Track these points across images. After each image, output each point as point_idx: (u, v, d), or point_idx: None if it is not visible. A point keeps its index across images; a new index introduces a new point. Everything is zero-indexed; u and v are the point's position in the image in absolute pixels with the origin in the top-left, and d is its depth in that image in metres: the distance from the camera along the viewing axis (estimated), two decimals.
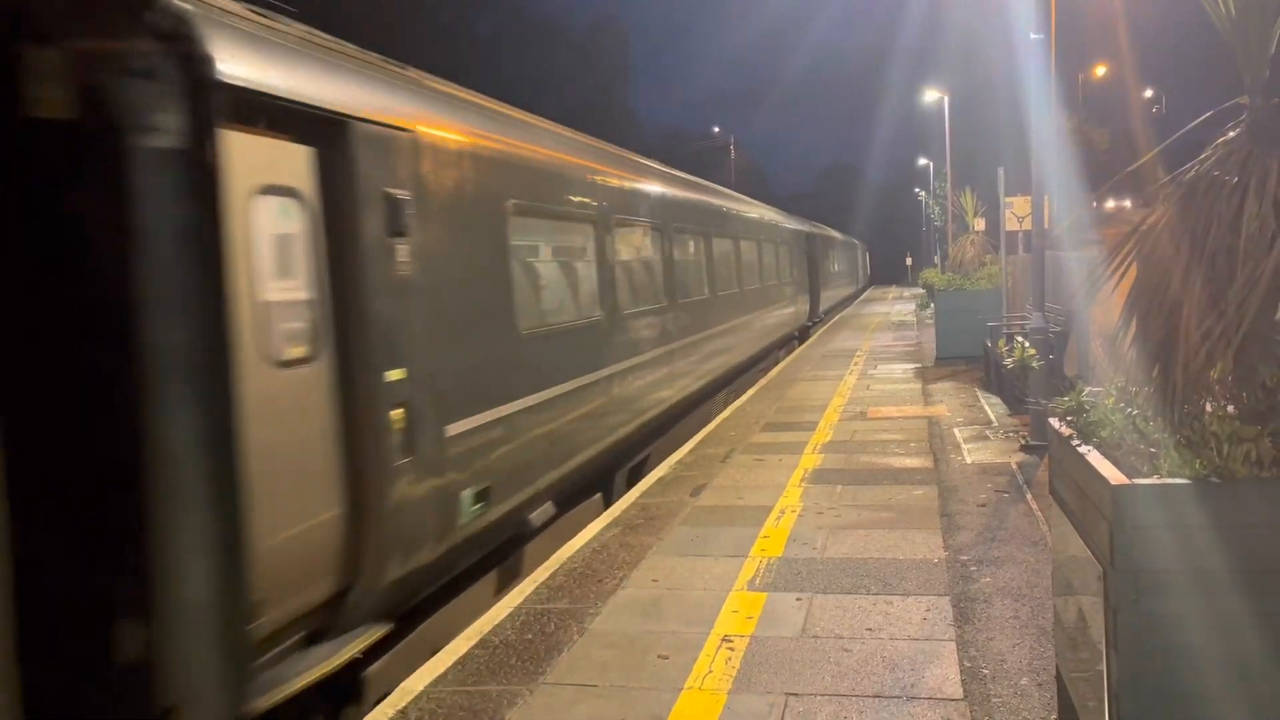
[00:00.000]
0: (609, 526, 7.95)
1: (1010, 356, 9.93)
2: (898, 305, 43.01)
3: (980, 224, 27.52)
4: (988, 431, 11.22)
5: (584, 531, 7.87)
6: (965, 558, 6.66)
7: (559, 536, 7.65)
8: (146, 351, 3.54)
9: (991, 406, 12.95)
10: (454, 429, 5.60)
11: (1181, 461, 2.98)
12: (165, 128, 3.56)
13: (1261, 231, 3.17)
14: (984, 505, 8.00)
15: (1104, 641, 3.11)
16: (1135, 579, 2.87)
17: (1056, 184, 14.17)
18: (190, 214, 3.64)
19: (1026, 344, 10.03)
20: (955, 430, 11.35)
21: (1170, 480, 2.94)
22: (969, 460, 9.73)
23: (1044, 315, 10.34)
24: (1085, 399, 3.67)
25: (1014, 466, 9.35)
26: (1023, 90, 14.13)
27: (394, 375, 4.97)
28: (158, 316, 3.56)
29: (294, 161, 4.56)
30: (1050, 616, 5.39)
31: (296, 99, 4.40)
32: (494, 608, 6.17)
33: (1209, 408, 3.39)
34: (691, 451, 10.99)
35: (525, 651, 5.42)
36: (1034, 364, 9.79)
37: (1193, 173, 3.38)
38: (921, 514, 7.80)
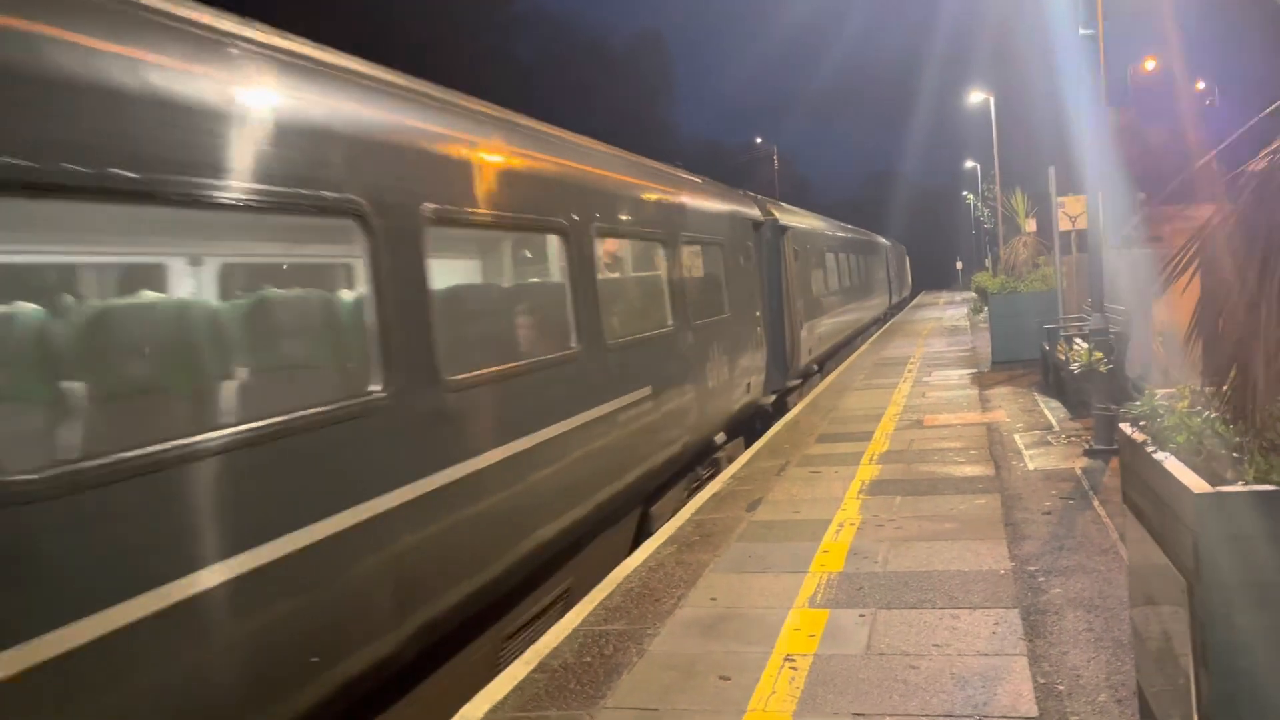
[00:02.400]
0: (665, 544, 7.85)
1: (1076, 361, 9.66)
2: (949, 310, 42.43)
3: (1031, 225, 27.04)
4: (1049, 436, 10.95)
5: (640, 550, 7.79)
6: (1033, 568, 6.46)
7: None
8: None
9: (1051, 410, 12.65)
10: None
11: (1269, 467, 2.83)
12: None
13: None
14: (1049, 513, 7.78)
15: (1190, 657, 2.96)
16: (1225, 593, 2.72)
17: (1110, 182, 13.87)
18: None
19: (1093, 348, 9.76)
20: (1015, 436, 11.10)
21: (1258, 487, 2.79)
22: (1031, 467, 9.49)
23: (1104, 316, 10.07)
24: (1159, 403, 3.52)
25: (1078, 472, 9.10)
26: (1070, 88, 13.84)
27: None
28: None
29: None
30: (1126, 628, 5.21)
31: None
32: (551, 630, 6.11)
33: None
34: (746, 465, 10.87)
35: (584, 675, 5.35)
36: (1102, 368, 9.51)
37: (1265, 164, 3.23)
38: (985, 524, 7.60)
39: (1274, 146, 3.24)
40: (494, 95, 7.84)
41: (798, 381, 16.80)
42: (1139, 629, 3.94)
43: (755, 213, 14.83)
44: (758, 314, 13.64)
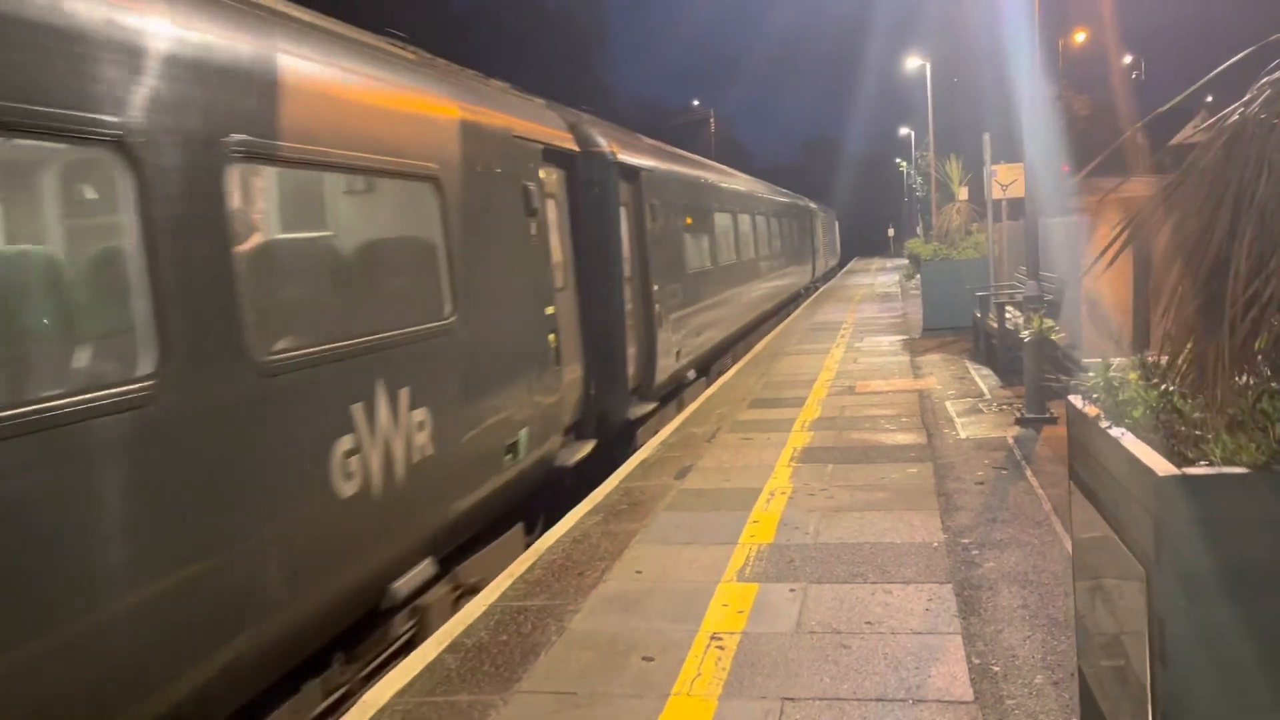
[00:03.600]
0: (590, 513, 7.56)
1: (1026, 330, 9.40)
2: (881, 276, 42.68)
3: (964, 193, 27.13)
4: (980, 404, 10.87)
5: (564, 519, 7.49)
6: (966, 540, 6.30)
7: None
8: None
9: (983, 378, 12.61)
10: None
11: (1236, 446, 2.60)
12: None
13: None
14: (982, 483, 7.65)
15: (1145, 649, 2.74)
16: (1188, 582, 2.49)
17: (1042, 150, 13.81)
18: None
19: (1043, 316, 9.55)
20: (947, 404, 11.00)
21: (1227, 470, 2.55)
22: (963, 435, 9.38)
23: (1039, 284, 9.97)
24: (1113, 375, 3.28)
25: (1010, 441, 9.00)
26: (1007, 55, 13.71)
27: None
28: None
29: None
30: (1061, 605, 5.06)
31: None
32: (466, 606, 5.78)
33: (1249, 382, 3.02)
34: (676, 431, 10.61)
35: (499, 655, 5.03)
36: (1053, 335, 9.29)
37: (1237, 115, 2.98)
38: (917, 494, 7.44)
39: (1246, 98, 2.99)
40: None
41: (652, 406, 10.91)
42: (1083, 612, 3.74)
43: (559, 138, 8.78)
44: (550, 311, 7.90)
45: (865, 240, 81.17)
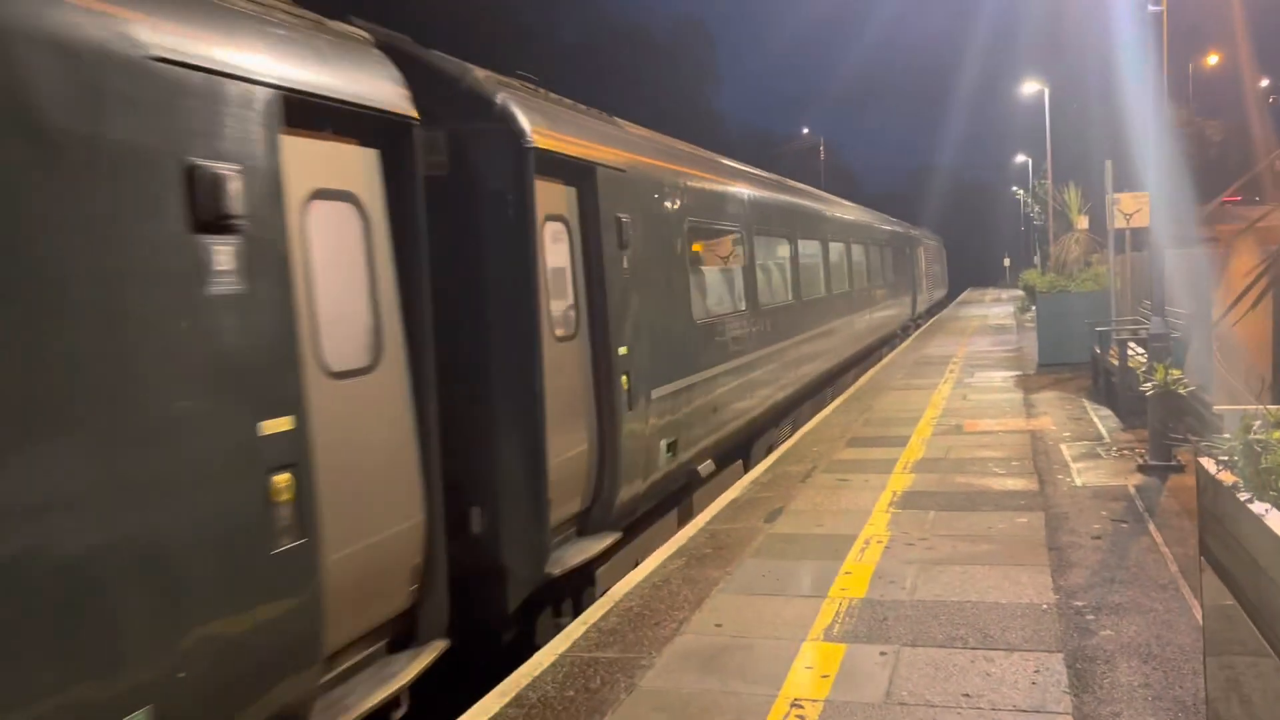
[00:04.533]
0: (673, 556, 7.22)
1: (1149, 382, 8.66)
2: (995, 308, 41.25)
3: (1083, 222, 25.92)
4: (1098, 449, 10.15)
5: (645, 562, 7.17)
6: (1079, 603, 5.74)
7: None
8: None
9: (1102, 420, 11.82)
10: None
11: None
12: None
13: None
14: (1098, 537, 7.03)
15: None
16: None
17: (1170, 178, 12.97)
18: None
19: (1168, 365, 8.75)
20: (1062, 447, 10.30)
21: None
22: (1079, 482, 8.72)
23: (1165, 321, 9.24)
24: (1254, 437, 2.82)
25: (1131, 490, 8.32)
26: (1130, 76, 12.96)
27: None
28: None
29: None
30: (1190, 686, 4.52)
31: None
32: (535, 655, 5.51)
33: None
34: (769, 469, 10.19)
35: (564, 713, 4.73)
36: (1180, 389, 8.52)
37: None
38: (1026, 547, 6.88)
39: None
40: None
41: (610, 541, 7.01)
42: (1215, 699, 3.25)
43: (360, 89, 4.71)
44: (277, 428, 3.92)
45: (979, 269, 78.92)
